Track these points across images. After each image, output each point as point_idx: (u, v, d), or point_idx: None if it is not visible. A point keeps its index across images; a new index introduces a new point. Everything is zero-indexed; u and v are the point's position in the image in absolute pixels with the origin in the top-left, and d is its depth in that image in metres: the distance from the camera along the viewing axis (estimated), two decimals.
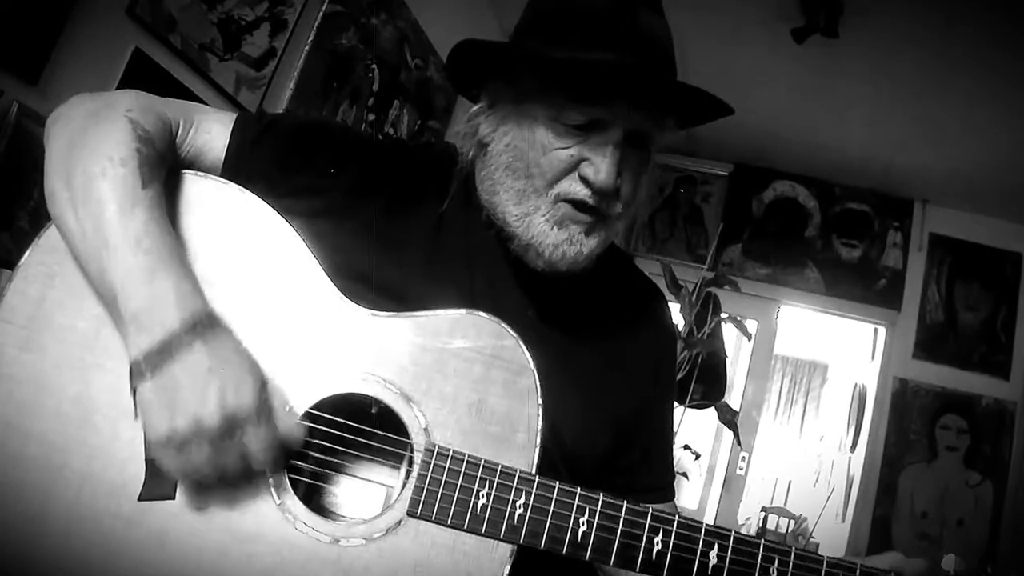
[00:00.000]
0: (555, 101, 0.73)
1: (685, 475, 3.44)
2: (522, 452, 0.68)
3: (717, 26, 2.71)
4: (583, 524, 0.66)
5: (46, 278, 0.67)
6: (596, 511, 0.67)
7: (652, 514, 0.67)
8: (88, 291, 0.66)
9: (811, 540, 4.36)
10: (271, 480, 0.66)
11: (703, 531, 0.67)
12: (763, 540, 0.68)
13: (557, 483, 0.67)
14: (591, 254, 0.77)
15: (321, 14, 2.10)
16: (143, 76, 1.63)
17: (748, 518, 4.72)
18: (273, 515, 0.65)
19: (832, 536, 4.01)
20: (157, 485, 0.63)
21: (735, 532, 0.68)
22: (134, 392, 0.61)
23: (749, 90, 3.19)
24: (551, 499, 0.67)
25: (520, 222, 0.76)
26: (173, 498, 0.64)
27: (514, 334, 0.70)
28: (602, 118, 0.73)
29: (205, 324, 0.62)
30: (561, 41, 0.73)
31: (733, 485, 3.74)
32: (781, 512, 4.83)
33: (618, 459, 0.85)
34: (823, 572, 0.67)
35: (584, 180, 0.74)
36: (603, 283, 0.87)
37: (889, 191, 3.79)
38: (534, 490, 0.67)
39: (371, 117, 2.42)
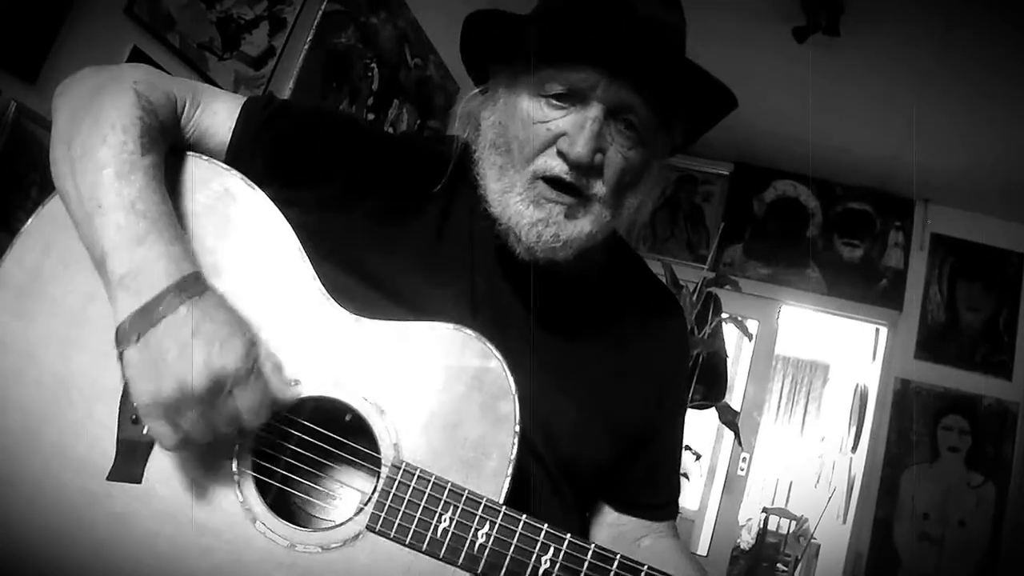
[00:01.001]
0: (538, 72, 0.72)
1: (686, 476, 3.43)
2: (492, 479, 0.66)
3: (718, 25, 2.71)
4: (545, 563, 0.63)
5: (44, 247, 0.67)
6: (560, 551, 0.63)
7: (620, 562, 0.63)
8: (82, 264, 0.65)
9: (812, 541, 4.35)
10: (237, 477, 0.65)
11: None
12: None
13: (523, 517, 0.64)
14: (572, 241, 0.73)
15: (320, 13, 2.09)
16: None
17: (749, 519, 4.71)
18: (234, 512, 0.64)
19: (833, 537, 4.00)
20: (127, 467, 0.64)
21: None
22: (121, 356, 0.59)
23: (750, 89, 3.17)
24: (515, 532, 0.64)
25: (498, 201, 0.74)
26: (139, 482, 0.64)
27: (499, 356, 0.68)
28: (581, 87, 0.71)
29: (192, 286, 0.61)
30: (560, 18, 0.72)
31: (734, 486, 3.73)
32: (782, 513, 4.82)
33: (620, 471, 0.83)
34: None
35: (560, 154, 0.71)
36: (612, 286, 0.84)
37: (891, 190, 3.77)
38: (499, 520, 0.64)
39: (371, 116, 2.42)
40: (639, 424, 0.83)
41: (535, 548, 0.64)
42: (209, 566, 0.63)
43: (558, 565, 0.63)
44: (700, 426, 3.58)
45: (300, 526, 0.66)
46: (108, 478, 0.63)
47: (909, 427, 3.54)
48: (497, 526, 0.64)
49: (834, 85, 3.00)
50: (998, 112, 2.87)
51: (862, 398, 4.11)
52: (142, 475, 0.64)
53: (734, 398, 3.57)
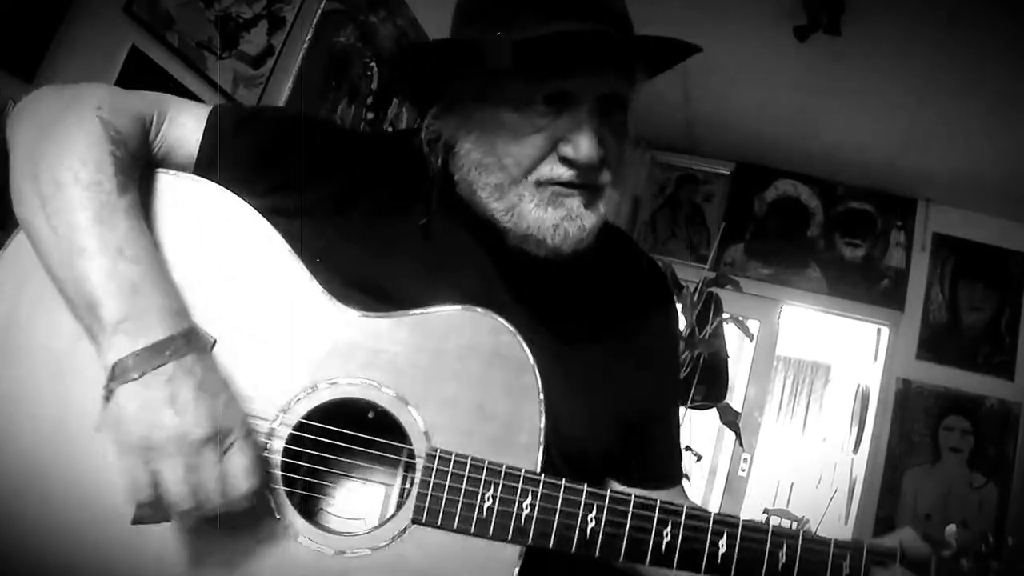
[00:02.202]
0: (516, 85, 0.69)
1: (687, 476, 3.42)
2: (526, 452, 0.67)
3: (719, 24, 2.70)
4: (591, 521, 0.66)
5: (15, 287, 0.64)
6: (604, 507, 0.66)
7: (660, 506, 0.67)
8: (60, 305, 0.63)
9: None
10: (270, 495, 0.64)
11: (711, 520, 0.67)
12: (771, 526, 0.68)
13: (563, 481, 0.66)
14: (593, 228, 0.73)
15: (319, 12, 2.09)
16: (140, 74, 1.62)
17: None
18: (274, 531, 0.63)
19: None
20: (150, 508, 0.59)
21: (743, 520, 0.68)
22: (108, 394, 0.57)
23: (751, 88, 3.17)
24: (558, 498, 0.66)
25: (509, 216, 0.72)
26: (169, 519, 0.59)
27: (512, 329, 0.68)
28: (569, 90, 0.69)
29: (196, 339, 0.60)
30: (509, 23, 0.69)
31: (735, 487, 3.72)
32: (783, 514, 4.80)
33: (624, 453, 0.83)
34: (830, 554, 0.67)
35: (566, 161, 0.70)
36: (601, 269, 0.84)
37: (892, 190, 3.77)
38: (540, 489, 0.66)
39: (370, 115, 2.41)
40: (641, 406, 0.84)
41: (579, 509, 0.66)
42: None
43: (604, 522, 0.66)
44: (701, 427, 3.57)
45: (340, 533, 0.65)
46: (132, 522, 0.59)
47: (911, 428, 3.53)
48: (540, 495, 0.65)
49: (835, 84, 2.99)
50: (1000, 111, 2.86)
51: (864, 399, 4.09)
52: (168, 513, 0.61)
53: (735, 398, 3.56)
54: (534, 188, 0.71)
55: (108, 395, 0.57)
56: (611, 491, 0.67)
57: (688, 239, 3.93)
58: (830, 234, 3.83)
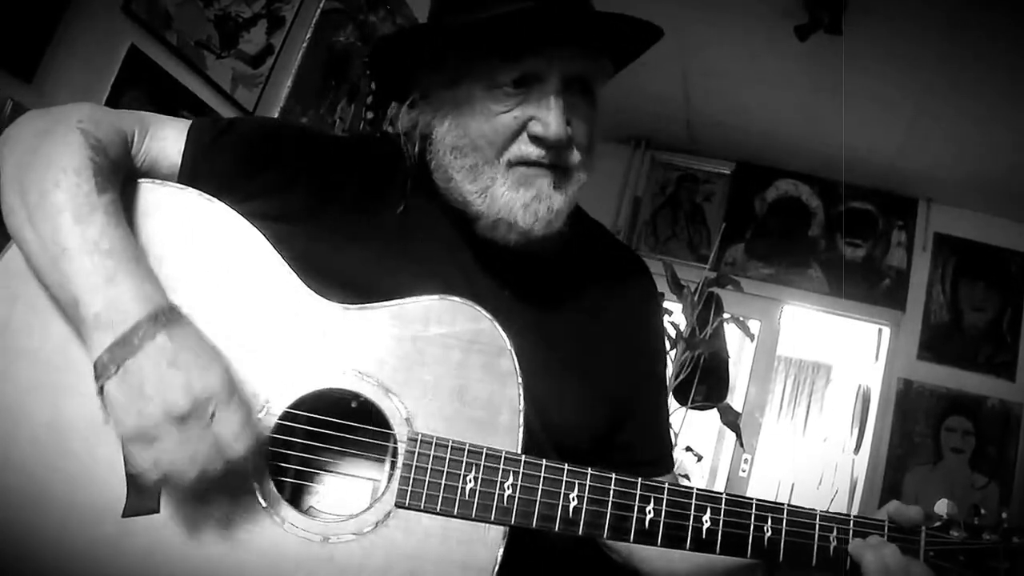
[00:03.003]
0: (485, 68, 0.73)
1: (687, 477, 3.41)
2: (507, 434, 0.68)
3: (720, 23, 2.70)
4: (573, 500, 0.66)
5: (8, 299, 0.66)
6: (585, 485, 0.67)
7: (642, 483, 0.67)
8: (53, 312, 0.65)
9: None
10: (256, 485, 0.65)
11: (694, 496, 0.68)
12: (755, 500, 0.68)
13: (544, 461, 0.67)
14: (563, 210, 0.76)
15: (319, 11, 2.08)
16: (139, 74, 1.62)
17: None
18: (261, 519, 0.64)
19: None
20: (140, 499, 0.62)
21: (726, 494, 0.68)
22: (101, 392, 0.59)
23: (752, 87, 3.17)
24: (539, 477, 0.67)
25: (481, 199, 0.75)
26: (157, 511, 0.63)
27: (489, 316, 0.70)
28: (535, 70, 0.72)
29: (167, 316, 0.61)
30: (476, 7, 0.72)
31: (736, 487, 3.72)
32: None
33: (612, 436, 0.85)
34: (816, 527, 0.68)
35: (535, 139, 0.73)
36: (578, 256, 0.86)
37: (893, 190, 3.76)
38: (521, 470, 0.66)
39: (369, 115, 2.41)
40: (625, 387, 0.86)
41: (560, 488, 0.67)
42: None
43: (585, 500, 0.66)
44: (701, 428, 3.56)
45: (324, 519, 0.66)
46: (124, 514, 0.62)
47: (912, 428, 3.52)
48: (521, 475, 0.66)
49: (836, 83, 2.98)
50: (1002, 111, 2.85)
51: (865, 399, 4.08)
52: (159, 505, 0.63)
53: (736, 399, 3.55)
54: (506, 170, 0.74)
55: (100, 392, 0.60)
56: (592, 471, 0.67)
57: (689, 239, 3.92)
58: (831, 234, 3.82)
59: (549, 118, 0.72)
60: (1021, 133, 2.96)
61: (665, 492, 0.67)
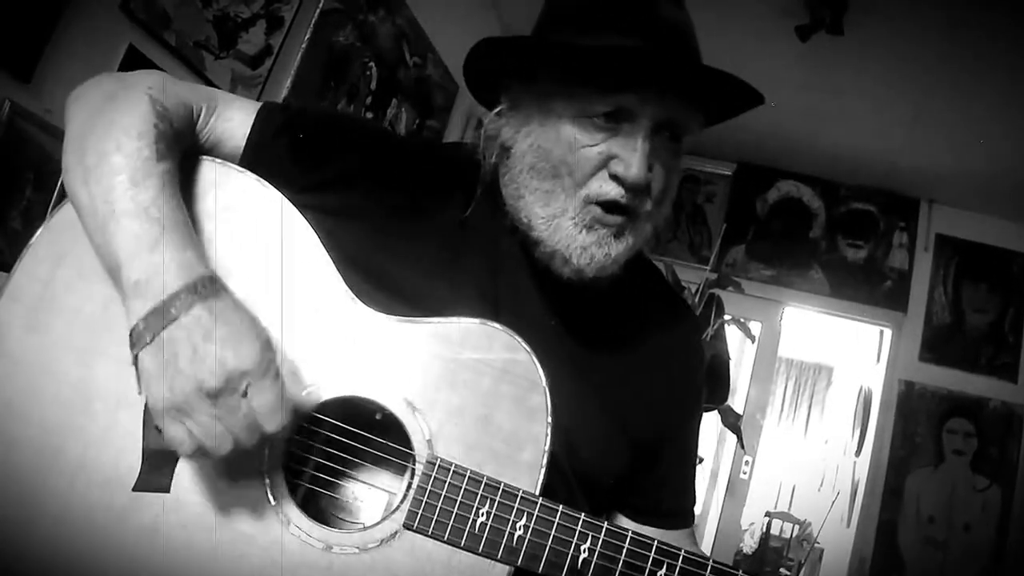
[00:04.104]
0: (580, 94, 0.71)
1: None
2: (528, 471, 0.66)
3: (720, 23, 2.69)
4: (584, 551, 0.64)
5: (56, 258, 0.66)
6: (599, 539, 0.64)
7: (657, 547, 0.65)
8: (98, 273, 0.65)
9: (816, 545, 4.32)
10: (268, 481, 0.64)
11: (709, 569, 0.65)
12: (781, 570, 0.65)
13: (560, 506, 0.65)
14: (619, 258, 0.74)
15: (318, 11, 2.08)
16: None
17: (752, 523, 4.68)
18: (267, 516, 0.64)
19: (837, 541, 3.97)
20: (154, 476, 0.62)
21: (743, 570, 0.65)
22: (136, 361, 0.59)
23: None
24: (553, 522, 0.65)
25: (547, 225, 0.73)
26: (168, 491, 0.63)
27: (528, 349, 0.68)
28: (629, 107, 0.70)
29: (206, 287, 0.60)
30: (583, 32, 0.71)
31: (737, 490, 3.71)
32: (785, 517, 4.79)
33: (636, 479, 0.83)
34: None
35: (615, 178, 0.71)
36: (631, 297, 0.84)
37: (895, 190, 3.75)
38: (536, 512, 0.64)
39: (369, 116, 2.41)
40: (655, 433, 0.83)
41: (573, 537, 0.64)
42: (245, 573, 0.63)
43: (596, 554, 0.64)
44: (702, 429, 3.54)
45: (332, 528, 0.65)
46: (135, 489, 0.62)
47: (913, 430, 3.51)
48: (535, 517, 0.64)
49: (838, 84, 2.98)
50: (1003, 111, 2.84)
51: (866, 401, 4.07)
52: (170, 484, 0.63)
53: (737, 401, 3.54)
54: (582, 206, 0.72)
55: (135, 361, 0.59)
56: (611, 524, 0.65)
57: (690, 240, 3.91)
58: (832, 235, 3.81)
59: (633, 159, 0.70)
60: (1022, 133, 2.95)
61: (680, 560, 0.64)
